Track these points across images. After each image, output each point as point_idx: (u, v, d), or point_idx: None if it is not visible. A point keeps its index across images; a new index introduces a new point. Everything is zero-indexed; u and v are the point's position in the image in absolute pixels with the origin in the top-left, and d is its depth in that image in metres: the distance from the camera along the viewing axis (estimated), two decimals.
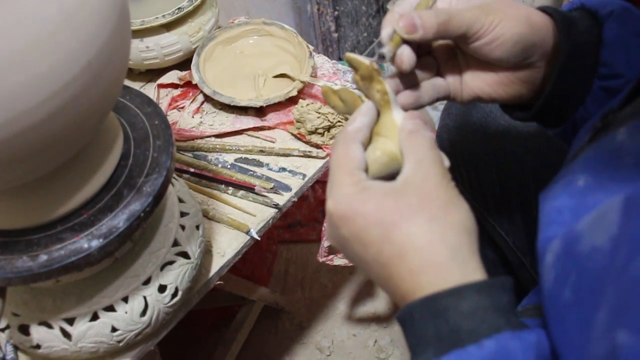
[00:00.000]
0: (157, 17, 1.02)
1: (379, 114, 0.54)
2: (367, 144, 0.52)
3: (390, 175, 0.51)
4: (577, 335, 0.40)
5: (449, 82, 0.62)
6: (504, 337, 0.41)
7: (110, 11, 0.51)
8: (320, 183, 1.51)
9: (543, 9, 0.60)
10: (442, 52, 0.61)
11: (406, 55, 0.55)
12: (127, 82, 1.06)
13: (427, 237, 0.44)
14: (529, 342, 0.41)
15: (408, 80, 0.59)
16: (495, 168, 0.87)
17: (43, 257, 0.58)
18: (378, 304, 1.46)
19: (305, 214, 1.56)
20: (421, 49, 0.58)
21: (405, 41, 0.55)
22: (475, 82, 0.61)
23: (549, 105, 0.61)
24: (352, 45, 1.74)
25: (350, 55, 0.54)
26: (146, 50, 1.03)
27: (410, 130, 0.50)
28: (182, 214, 0.76)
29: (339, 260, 1.05)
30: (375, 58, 0.53)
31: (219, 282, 0.83)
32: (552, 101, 0.61)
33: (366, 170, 0.50)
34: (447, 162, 0.50)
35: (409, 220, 0.45)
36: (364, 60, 0.53)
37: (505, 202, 0.87)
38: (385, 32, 0.55)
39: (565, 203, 0.47)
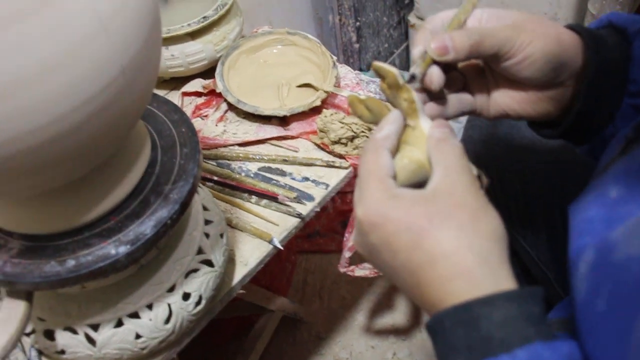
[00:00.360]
0: (182, 26, 1.02)
1: (405, 123, 0.54)
2: (395, 152, 0.52)
3: (418, 184, 0.50)
4: (613, 346, 0.40)
5: (476, 98, 0.62)
6: (536, 347, 0.40)
7: (144, 19, 0.51)
8: (339, 194, 1.51)
9: (571, 27, 0.59)
10: (470, 69, 0.61)
11: (435, 76, 0.55)
12: None
13: (456, 243, 0.44)
14: (562, 352, 0.41)
15: (435, 93, 0.59)
16: (520, 181, 0.86)
17: (71, 263, 0.58)
18: (397, 316, 1.45)
19: (325, 224, 1.55)
20: (449, 65, 0.58)
21: (435, 61, 0.55)
22: (503, 99, 0.61)
23: (578, 123, 0.61)
24: (373, 56, 1.74)
25: (378, 63, 0.54)
26: (171, 58, 1.04)
27: (438, 138, 0.50)
28: (207, 222, 0.76)
29: (360, 271, 1.05)
30: (407, 78, 0.54)
31: (240, 291, 0.83)
32: (581, 119, 0.60)
33: (394, 178, 0.50)
34: (474, 171, 0.49)
35: (439, 227, 0.45)
36: (391, 68, 0.53)
37: (529, 215, 0.86)
38: (416, 51, 0.55)
39: (597, 214, 0.47)
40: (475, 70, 0.61)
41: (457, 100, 0.61)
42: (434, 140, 0.50)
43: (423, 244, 0.45)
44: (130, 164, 0.63)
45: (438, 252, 0.44)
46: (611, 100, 0.60)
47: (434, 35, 0.54)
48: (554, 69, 0.57)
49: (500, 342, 0.41)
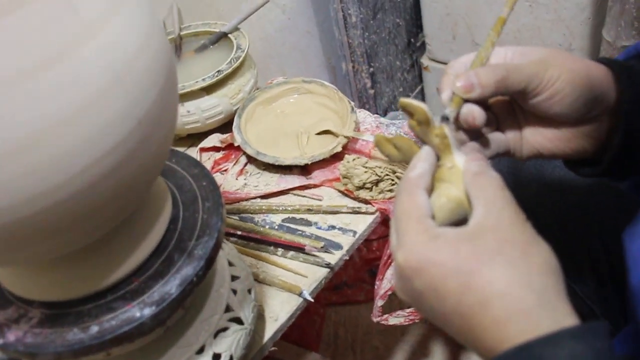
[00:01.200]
0: (197, 81, 1.02)
1: (438, 159, 0.51)
2: (430, 190, 0.49)
3: (458, 222, 0.48)
4: None
5: (509, 138, 0.59)
6: None
7: (159, 70, 0.50)
8: (365, 242, 1.48)
9: (600, 61, 0.57)
10: (500, 108, 0.59)
11: (477, 112, 0.53)
12: None
13: (510, 281, 0.41)
14: None
15: (473, 132, 0.57)
16: (555, 219, 0.83)
17: (94, 329, 0.55)
18: None
19: (351, 274, 1.52)
20: (479, 105, 0.56)
21: (466, 100, 0.53)
22: (536, 138, 0.59)
23: (618, 158, 0.58)
24: (388, 100, 1.73)
25: (406, 100, 0.51)
26: (187, 115, 1.03)
27: (475, 172, 0.47)
28: (233, 278, 0.73)
29: (394, 319, 1.01)
30: (439, 120, 0.52)
31: (273, 349, 0.79)
32: (621, 154, 0.58)
33: (432, 218, 0.47)
34: None
35: (489, 265, 0.42)
36: (420, 104, 0.51)
37: (569, 251, 0.82)
38: (445, 95, 0.54)
39: None
40: (506, 109, 0.59)
41: (492, 141, 0.59)
42: (471, 174, 0.47)
43: (473, 285, 0.42)
44: (151, 222, 0.61)
45: (491, 292, 0.41)
46: None
47: (458, 75, 0.53)
48: (586, 103, 0.55)
49: None
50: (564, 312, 0.41)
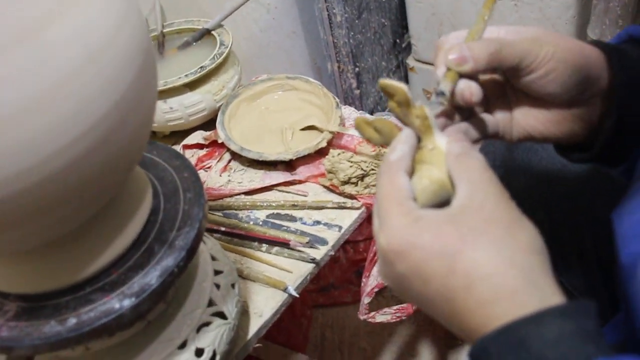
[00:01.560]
0: (179, 77, 1.00)
1: (419, 141, 0.50)
2: (411, 173, 0.48)
3: (440, 204, 0.46)
4: None
5: (498, 120, 0.58)
6: None
7: (136, 50, 0.49)
8: (352, 243, 1.47)
9: (593, 43, 0.56)
10: (491, 88, 0.58)
11: (475, 87, 0.52)
12: None
13: (494, 262, 0.40)
14: None
15: (465, 111, 0.56)
16: (543, 207, 0.82)
17: (72, 321, 0.54)
18: None
19: (338, 275, 1.50)
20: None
21: (462, 76, 0.52)
22: (527, 120, 0.58)
23: (609, 143, 0.57)
24: (374, 101, 1.73)
25: (385, 81, 0.50)
26: (170, 111, 1.01)
27: (458, 153, 0.46)
28: (216, 273, 0.72)
29: (381, 317, 1.00)
30: (434, 96, 0.50)
31: (257, 345, 0.78)
32: (613, 139, 0.57)
33: (414, 200, 0.46)
34: None
35: (473, 246, 0.41)
36: (400, 84, 0.49)
37: (556, 242, 0.82)
38: (439, 71, 0.52)
39: None
40: (497, 89, 0.58)
41: (479, 122, 0.57)
42: (454, 155, 0.46)
43: (457, 267, 0.40)
44: (131, 213, 0.60)
45: (475, 274, 0.40)
46: None
47: (451, 48, 0.52)
48: (579, 84, 0.54)
49: None
50: (550, 291, 0.40)
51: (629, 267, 0.43)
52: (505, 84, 0.58)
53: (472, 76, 0.53)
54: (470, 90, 0.52)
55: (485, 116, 0.57)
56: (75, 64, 0.43)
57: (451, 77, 0.52)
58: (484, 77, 0.57)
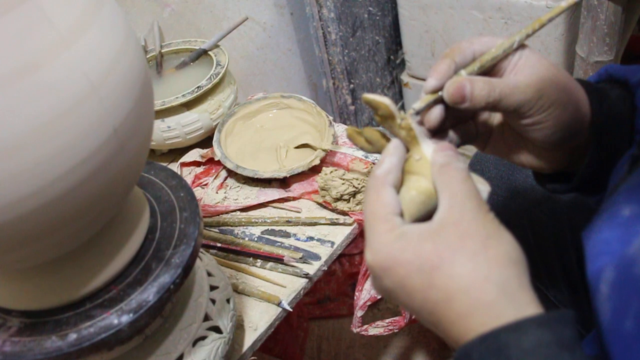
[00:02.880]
0: (177, 97, 1.03)
1: (407, 151, 0.52)
2: (399, 185, 0.50)
3: (429, 213, 0.48)
4: None
5: (478, 132, 0.61)
6: None
7: (135, 80, 0.51)
8: (347, 256, 1.49)
9: (581, 83, 0.58)
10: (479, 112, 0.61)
11: (433, 117, 0.53)
12: None
13: (471, 276, 0.42)
14: None
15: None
16: (527, 222, 0.85)
17: (72, 336, 0.56)
18: None
19: (334, 288, 1.52)
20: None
21: (442, 102, 0.53)
22: (500, 147, 0.61)
23: (586, 177, 0.60)
24: (369, 116, 1.75)
25: (368, 96, 0.51)
26: (168, 130, 1.04)
27: (441, 164, 0.48)
28: (212, 288, 0.74)
29: (374, 330, 1.02)
30: (411, 113, 0.52)
31: (253, 358, 0.80)
32: (589, 173, 0.60)
33: (402, 213, 0.48)
34: (488, 187, 0.48)
35: (450, 262, 0.43)
36: (382, 99, 0.51)
37: (541, 256, 0.84)
38: (429, 85, 0.53)
39: (612, 234, 0.45)
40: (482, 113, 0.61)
41: (461, 131, 0.59)
42: (437, 166, 0.48)
43: (436, 282, 0.43)
44: (129, 231, 0.62)
45: (453, 288, 0.42)
46: (619, 152, 0.58)
47: (454, 81, 0.52)
48: (563, 138, 0.56)
49: None
50: (526, 302, 0.42)
51: (593, 282, 0.45)
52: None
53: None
54: (428, 118, 0.53)
55: (467, 126, 0.59)
56: (77, 95, 0.45)
57: (434, 96, 0.53)
58: None
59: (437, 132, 0.56)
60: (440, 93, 0.53)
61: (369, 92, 0.54)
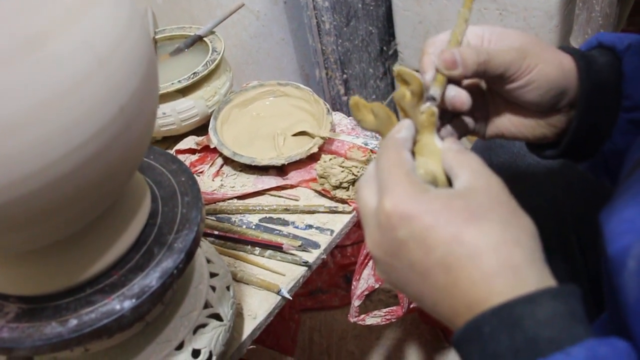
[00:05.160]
0: (172, 83, 1.01)
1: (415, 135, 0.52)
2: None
3: None
4: None
5: (476, 119, 0.62)
6: (591, 344, 0.37)
7: (141, 57, 0.50)
8: (339, 248, 1.48)
9: (565, 50, 0.60)
10: (472, 90, 0.60)
11: (464, 96, 0.55)
12: None
13: (502, 237, 0.41)
14: (620, 349, 0.37)
15: (448, 115, 0.59)
16: (528, 208, 0.84)
17: (73, 322, 0.55)
18: None
19: (326, 280, 1.52)
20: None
21: (449, 81, 0.54)
22: (502, 121, 0.61)
23: (576, 142, 0.61)
24: None
25: (404, 69, 0.51)
26: (163, 117, 1.02)
27: (458, 150, 0.48)
28: (212, 275, 0.73)
29: (371, 319, 1.01)
30: (425, 102, 0.52)
31: (251, 347, 0.79)
32: (579, 137, 0.60)
33: None
34: None
35: (482, 220, 0.42)
36: (418, 76, 0.51)
37: (543, 244, 0.84)
38: (428, 76, 0.54)
39: (637, 212, 0.44)
40: (476, 92, 0.61)
41: (456, 120, 0.60)
42: (454, 151, 0.48)
43: (465, 236, 0.41)
44: (130, 216, 0.61)
45: (482, 245, 0.41)
46: (607, 117, 0.60)
47: (443, 51, 0.54)
48: (555, 95, 0.57)
49: (548, 342, 0.38)
50: (548, 274, 0.41)
51: (618, 260, 0.44)
52: (486, 88, 0.61)
53: (457, 82, 0.55)
54: (461, 99, 0.55)
55: (466, 118, 0.60)
56: (85, 70, 0.44)
57: (440, 82, 0.53)
58: (467, 80, 0.60)
59: (451, 118, 0.58)
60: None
61: (398, 68, 0.53)
